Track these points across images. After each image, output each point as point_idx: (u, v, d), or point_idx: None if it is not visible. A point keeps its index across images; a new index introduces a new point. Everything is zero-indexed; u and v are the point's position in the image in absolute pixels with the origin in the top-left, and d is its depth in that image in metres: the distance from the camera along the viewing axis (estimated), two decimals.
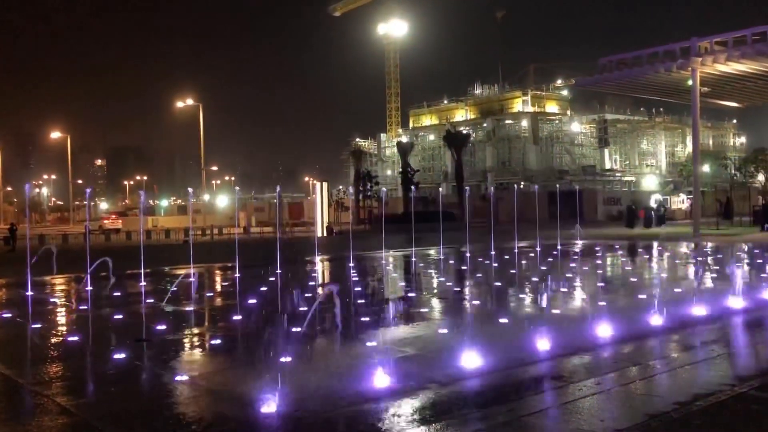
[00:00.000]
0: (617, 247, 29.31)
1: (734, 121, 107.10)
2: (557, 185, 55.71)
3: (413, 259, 25.61)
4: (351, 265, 22.24)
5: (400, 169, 63.80)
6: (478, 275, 19.22)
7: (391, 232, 50.08)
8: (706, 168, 55.01)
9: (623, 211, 51.33)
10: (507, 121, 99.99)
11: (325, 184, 48.63)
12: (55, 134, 78.71)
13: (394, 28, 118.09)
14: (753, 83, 39.82)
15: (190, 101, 64.95)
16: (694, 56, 35.93)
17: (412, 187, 54.09)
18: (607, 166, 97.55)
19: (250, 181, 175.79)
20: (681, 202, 59.62)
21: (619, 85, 41.65)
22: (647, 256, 26.07)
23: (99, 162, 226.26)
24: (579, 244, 31.11)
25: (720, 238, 29.93)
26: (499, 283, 16.52)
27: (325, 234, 47.55)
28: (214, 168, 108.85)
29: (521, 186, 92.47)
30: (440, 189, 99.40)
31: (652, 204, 51.51)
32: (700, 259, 23.62)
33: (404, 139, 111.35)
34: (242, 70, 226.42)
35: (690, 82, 37.44)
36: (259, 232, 53.84)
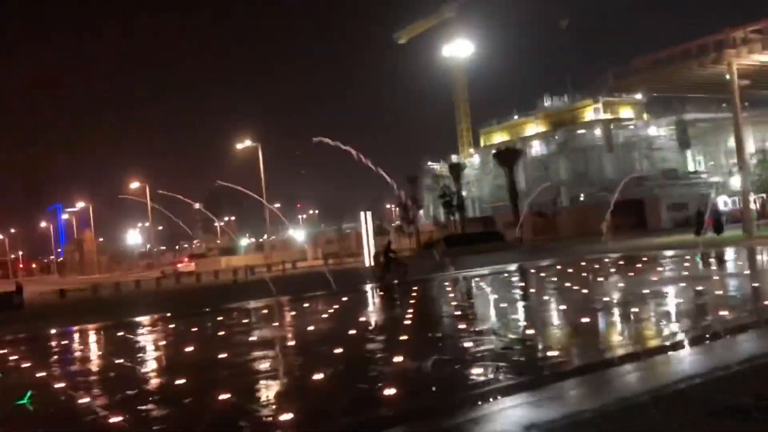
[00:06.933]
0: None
1: None
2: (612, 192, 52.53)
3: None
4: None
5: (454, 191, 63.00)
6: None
7: (433, 255, 49.62)
8: None
9: (691, 216, 47.07)
10: (579, 131, 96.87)
11: (369, 214, 48.65)
12: (134, 184, 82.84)
13: (459, 49, 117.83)
14: None
15: (248, 142, 67.92)
16: (728, 48, 33.61)
17: (454, 209, 53.21)
18: (690, 168, 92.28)
19: (335, 214, 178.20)
20: (752, 202, 55.18)
21: (655, 84, 39.52)
22: None
23: (197, 206, 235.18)
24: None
25: None
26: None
27: (372, 263, 47.41)
28: (295, 204, 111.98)
29: (581, 198, 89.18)
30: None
31: (721, 206, 48.01)
32: None
33: (476, 158, 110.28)
34: (310, 105, 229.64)
35: (728, 77, 34.98)
36: (307, 267, 54.67)
